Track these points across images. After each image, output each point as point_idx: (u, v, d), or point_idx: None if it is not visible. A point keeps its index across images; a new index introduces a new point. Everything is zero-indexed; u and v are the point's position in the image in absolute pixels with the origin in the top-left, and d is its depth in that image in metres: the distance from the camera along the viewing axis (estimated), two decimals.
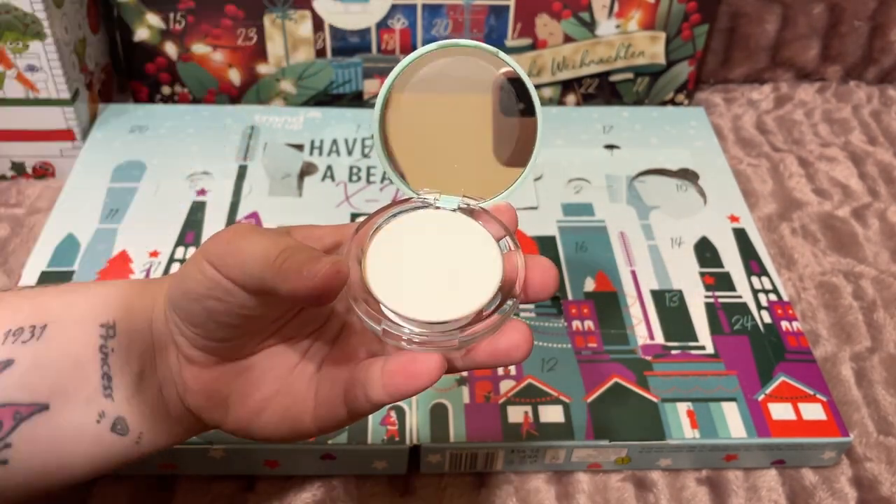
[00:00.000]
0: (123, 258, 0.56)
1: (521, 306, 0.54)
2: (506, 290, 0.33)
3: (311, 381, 0.34)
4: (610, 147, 0.67)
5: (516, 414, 0.48)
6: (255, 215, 0.60)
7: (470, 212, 0.35)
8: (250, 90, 0.71)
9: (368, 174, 0.64)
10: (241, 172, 0.63)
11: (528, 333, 0.32)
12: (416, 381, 0.31)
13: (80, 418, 0.33)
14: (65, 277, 0.54)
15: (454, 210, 0.35)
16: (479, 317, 0.32)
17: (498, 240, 0.35)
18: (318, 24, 0.67)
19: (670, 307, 0.55)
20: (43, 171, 0.67)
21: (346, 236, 0.35)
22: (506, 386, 0.49)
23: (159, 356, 0.34)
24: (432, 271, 0.33)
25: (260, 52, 0.69)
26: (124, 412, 0.34)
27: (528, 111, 0.35)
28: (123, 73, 0.72)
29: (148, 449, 0.35)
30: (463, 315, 0.32)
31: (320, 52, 0.69)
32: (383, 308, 0.32)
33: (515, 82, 0.34)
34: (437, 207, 0.35)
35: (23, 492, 0.34)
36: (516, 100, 0.35)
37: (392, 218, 0.35)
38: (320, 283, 0.29)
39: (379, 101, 0.34)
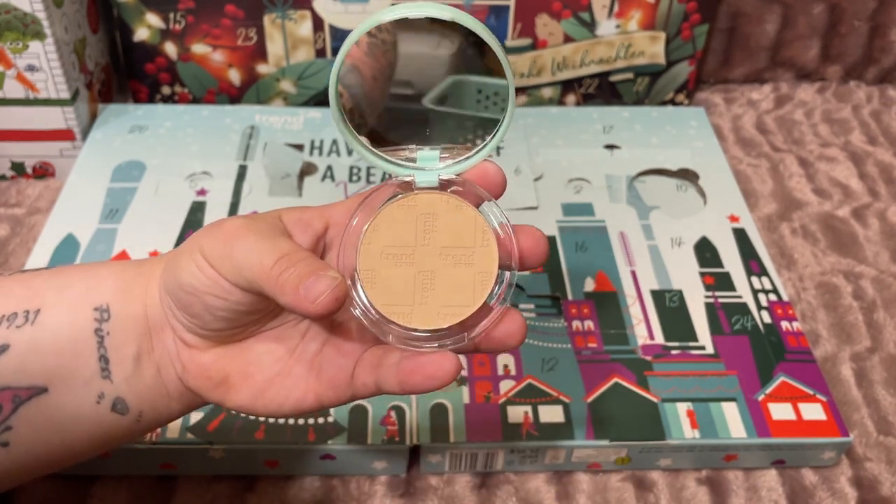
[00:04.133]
0: (123, 258, 0.56)
1: (521, 305, 0.54)
2: (502, 268, 0.33)
3: (312, 362, 0.35)
4: (610, 147, 0.67)
5: (516, 414, 0.48)
6: None
7: (451, 184, 0.34)
8: (250, 90, 0.71)
9: (368, 174, 0.64)
10: (241, 172, 0.63)
11: (522, 323, 0.33)
12: (434, 381, 0.32)
13: (79, 400, 0.33)
14: None
15: (435, 186, 0.34)
16: (483, 309, 0.33)
17: (478, 205, 0.34)
18: (318, 24, 0.67)
19: (670, 307, 0.55)
20: (43, 171, 0.67)
21: (333, 218, 0.35)
22: (506, 386, 0.49)
23: (156, 338, 0.34)
24: (432, 271, 0.33)
25: (260, 52, 0.69)
26: (123, 393, 0.34)
27: (497, 67, 0.33)
28: (123, 73, 0.72)
29: (149, 426, 0.36)
30: (469, 314, 0.32)
31: (320, 52, 0.69)
32: (389, 320, 0.33)
33: (481, 43, 0.32)
34: (418, 186, 0.34)
35: (26, 472, 0.34)
36: (482, 60, 0.33)
37: (379, 211, 0.34)
38: (320, 310, 0.30)
39: (333, 76, 0.33)
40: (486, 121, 0.35)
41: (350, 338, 0.35)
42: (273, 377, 0.34)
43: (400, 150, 0.35)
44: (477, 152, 0.35)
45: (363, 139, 0.35)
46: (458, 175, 0.34)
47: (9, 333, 0.32)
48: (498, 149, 0.66)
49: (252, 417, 0.47)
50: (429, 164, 0.35)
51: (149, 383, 0.34)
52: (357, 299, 0.33)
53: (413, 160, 0.35)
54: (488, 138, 0.34)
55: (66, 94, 0.63)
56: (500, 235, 0.33)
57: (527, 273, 0.56)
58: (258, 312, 0.33)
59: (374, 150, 0.35)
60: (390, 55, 0.34)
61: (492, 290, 0.33)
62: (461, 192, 0.34)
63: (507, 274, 0.33)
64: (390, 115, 0.36)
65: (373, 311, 0.33)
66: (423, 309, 0.32)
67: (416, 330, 0.32)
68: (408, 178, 0.34)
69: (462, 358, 0.50)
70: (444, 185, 0.34)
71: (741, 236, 0.60)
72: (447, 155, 0.35)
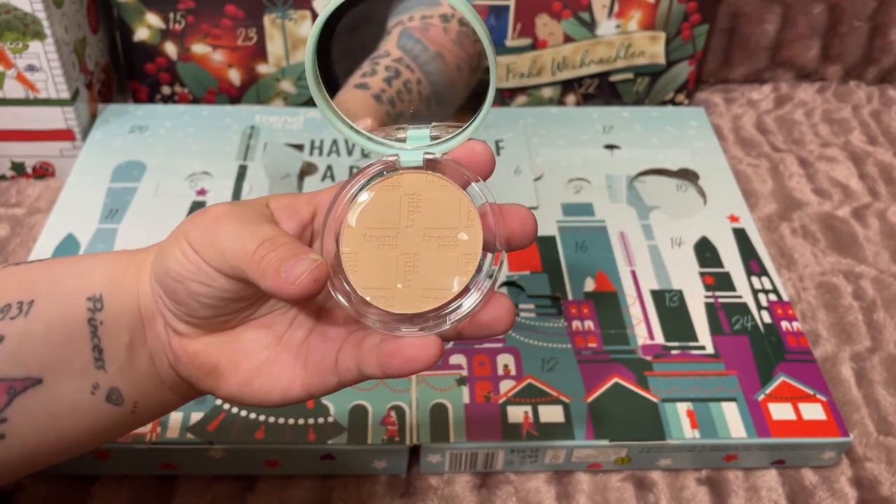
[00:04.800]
0: None
1: (521, 305, 0.54)
2: (488, 249, 0.32)
3: (299, 350, 0.35)
4: (610, 147, 0.67)
5: (516, 414, 0.48)
6: None
7: (437, 163, 0.33)
8: (250, 90, 0.71)
9: None
10: (241, 172, 0.63)
11: (509, 307, 0.32)
12: (414, 364, 0.31)
13: (74, 391, 0.33)
14: None
15: (421, 165, 0.33)
16: (466, 291, 0.32)
17: (465, 186, 0.33)
18: None
19: (670, 307, 0.55)
20: (43, 171, 0.67)
21: (321, 205, 0.34)
22: (506, 386, 0.49)
23: (148, 327, 0.34)
24: (413, 253, 0.32)
25: (260, 52, 0.69)
26: (118, 383, 0.34)
27: (476, 41, 0.32)
28: (123, 73, 0.72)
29: (145, 417, 0.36)
30: (451, 297, 0.32)
31: None
32: (370, 304, 0.32)
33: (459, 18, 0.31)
34: (403, 166, 0.33)
35: (22, 464, 0.34)
36: (464, 33, 0.32)
37: (363, 189, 0.33)
38: (299, 291, 0.30)
39: (310, 49, 0.32)
40: (474, 99, 0.34)
41: (336, 324, 0.35)
42: (260, 365, 0.34)
43: (389, 130, 0.34)
44: (462, 131, 0.34)
45: (346, 118, 0.34)
46: (443, 154, 0.34)
47: (3, 325, 0.32)
48: (498, 149, 0.66)
49: (252, 417, 0.47)
50: (418, 143, 0.34)
51: (142, 373, 0.34)
52: (339, 282, 0.32)
53: (403, 139, 0.34)
54: (473, 116, 0.34)
55: (66, 94, 0.63)
56: (486, 216, 0.32)
57: (527, 273, 0.56)
58: (244, 300, 0.33)
59: (358, 128, 0.34)
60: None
61: (476, 273, 0.32)
62: (447, 172, 0.33)
63: (493, 256, 0.32)
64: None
65: (354, 295, 0.32)
66: (405, 292, 0.32)
67: (397, 314, 0.32)
68: (392, 158, 0.34)
69: (462, 357, 0.50)
70: (429, 165, 0.33)
71: (741, 236, 0.60)
72: (437, 134, 0.34)
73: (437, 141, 0.34)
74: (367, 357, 0.32)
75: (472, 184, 0.33)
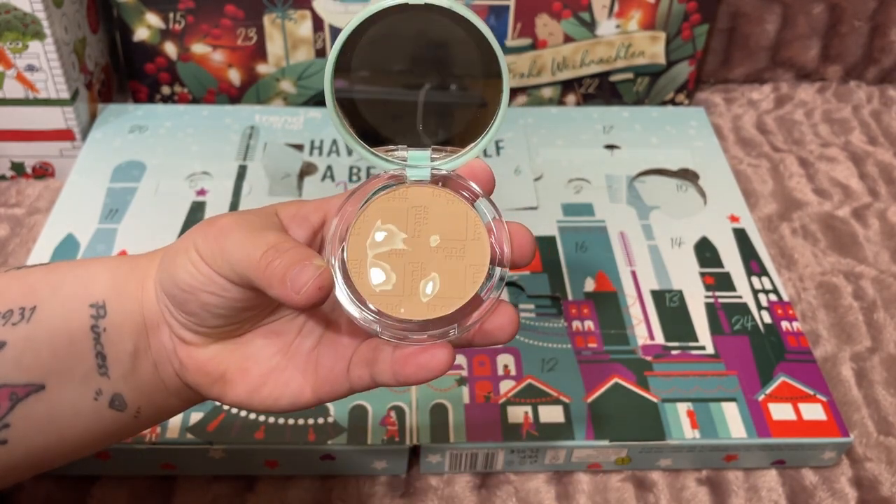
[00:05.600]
0: None
1: (521, 305, 0.54)
2: (493, 263, 0.33)
3: (309, 356, 0.34)
4: (610, 147, 0.67)
5: (516, 414, 0.48)
6: None
7: (444, 179, 0.34)
8: (250, 90, 0.71)
9: (368, 174, 0.64)
10: (241, 172, 0.63)
11: (514, 316, 0.33)
12: (427, 372, 0.32)
13: (77, 397, 0.33)
14: None
15: (427, 180, 0.34)
16: (474, 301, 0.32)
17: (472, 202, 0.34)
18: (318, 24, 0.67)
19: (670, 307, 0.55)
20: (42, 171, 0.67)
21: (331, 211, 0.34)
22: (506, 386, 0.49)
23: (152, 335, 0.34)
24: (421, 263, 0.33)
25: (260, 52, 0.69)
26: (121, 389, 0.34)
27: (492, 62, 0.32)
28: (123, 73, 0.72)
29: (147, 421, 0.36)
30: (460, 307, 0.32)
31: (320, 52, 0.69)
32: (378, 311, 0.32)
33: (475, 35, 0.32)
34: (410, 180, 0.34)
35: (26, 468, 0.34)
36: (478, 52, 0.32)
37: (369, 201, 0.34)
38: (304, 301, 0.30)
39: (329, 67, 0.32)
40: (477, 118, 0.34)
41: (346, 330, 0.35)
42: (269, 372, 0.34)
43: (391, 150, 0.35)
44: (469, 150, 0.34)
45: (356, 135, 0.35)
46: (450, 171, 0.34)
47: (5, 331, 0.32)
48: (498, 149, 0.66)
49: (252, 417, 0.47)
50: (419, 163, 0.34)
51: (146, 380, 0.34)
52: (346, 291, 0.32)
53: (404, 159, 0.35)
54: (480, 137, 0.34)
55: (65, 94, 0.63)
56: (491, 230, 0.33)
57: (527, 273, 0.56)
58: (254, 308, 0.33)
59: (367, 147, 0.35)
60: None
61: (483, 284, 0.32)
62: (453, 187, 0.34)
63: (499, 268, 0.33)
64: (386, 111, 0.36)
65: (362, 304, 0.32)
66: (413, 300, 0.32)
67: (404, 321, 0.32)
68: (399, 172, 0.34)
69: (462, 357, 0.50)
70: (435, 180, 0.34)
71: (741, 236, 0.60)
72: (438, 156, 0.34)
73: (441, 161, 0.34)
74: (381, 367, 0.32)
75: (478, 199, 0.34)
